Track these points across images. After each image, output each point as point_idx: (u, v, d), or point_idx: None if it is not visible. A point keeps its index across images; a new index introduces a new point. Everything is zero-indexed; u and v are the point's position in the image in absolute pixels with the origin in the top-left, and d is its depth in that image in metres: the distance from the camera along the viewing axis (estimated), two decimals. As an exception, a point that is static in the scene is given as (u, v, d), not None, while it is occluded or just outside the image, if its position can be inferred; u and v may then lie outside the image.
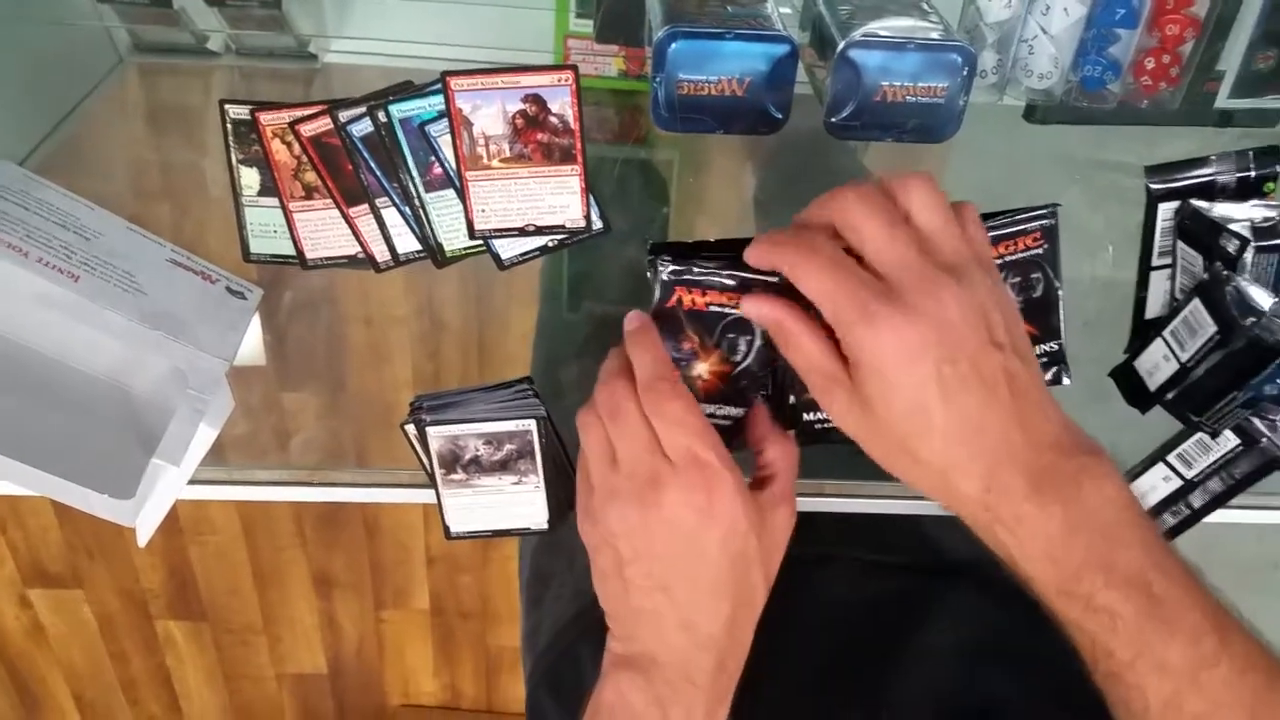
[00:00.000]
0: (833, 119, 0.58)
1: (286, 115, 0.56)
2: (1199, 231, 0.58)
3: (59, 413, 0.50)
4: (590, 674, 0.72)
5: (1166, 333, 0.60)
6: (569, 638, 0.78)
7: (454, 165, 0.58)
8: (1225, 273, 0.55)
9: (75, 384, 0.52)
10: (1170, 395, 0.60)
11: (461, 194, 0.58)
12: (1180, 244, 0.59)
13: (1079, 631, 0.46)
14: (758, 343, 0.59)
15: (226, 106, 0.56)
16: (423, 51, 0.69)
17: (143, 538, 0.55)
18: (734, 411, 0.61)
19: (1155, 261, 0.61)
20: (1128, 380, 0.64)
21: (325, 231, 0.60)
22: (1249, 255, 0.55)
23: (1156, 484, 0.67)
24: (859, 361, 0.47)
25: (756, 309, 0.53)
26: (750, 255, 0.53)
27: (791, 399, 0.62)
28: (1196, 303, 0.57)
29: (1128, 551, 0.45)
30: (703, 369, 0.59)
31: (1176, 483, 0.66)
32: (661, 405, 0.51)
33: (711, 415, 0.61)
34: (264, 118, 0.56)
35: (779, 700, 0.62)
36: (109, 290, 0.53)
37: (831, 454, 0.70)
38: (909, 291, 0.46)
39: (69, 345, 0.52)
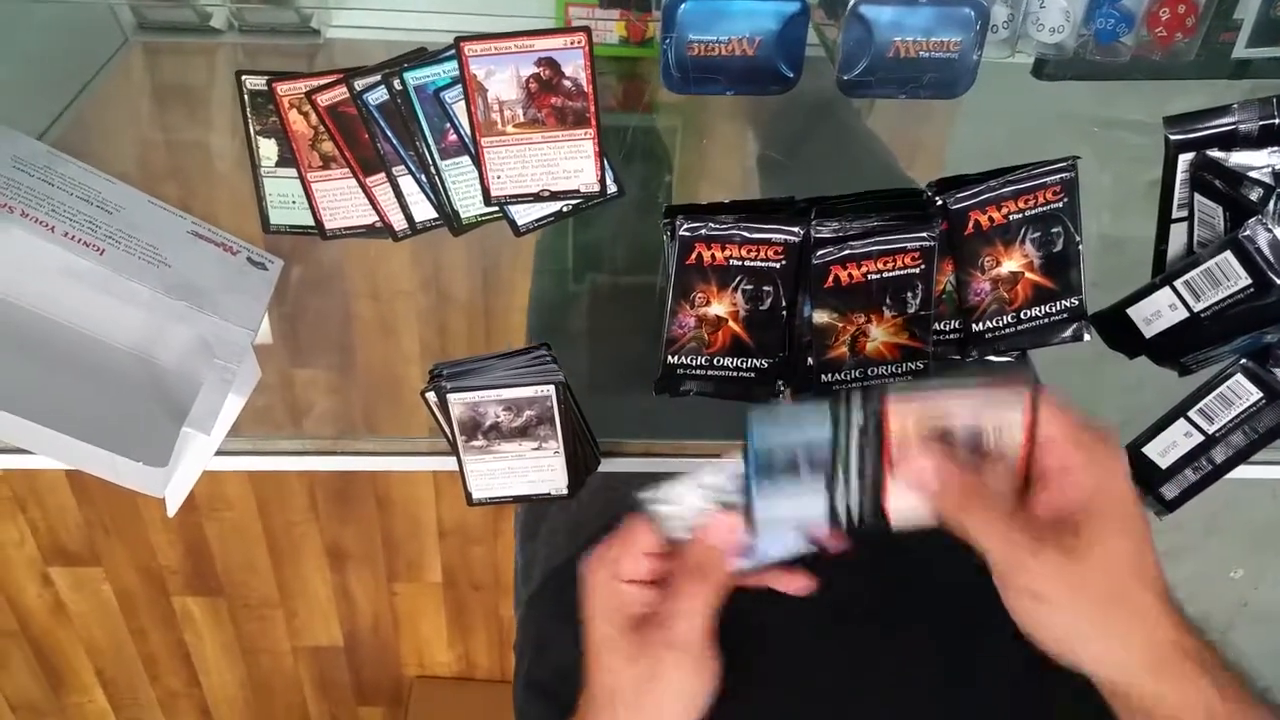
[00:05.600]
0: (845, 77, 0.58)
1: (303, 85, 0.56)
2: (1216, 182, 0.58)
3: (89, 384, 0.51)
4: None
5: (1179, 282, 0.59)
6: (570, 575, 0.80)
7: (469, 131, 0.58)
8: (1267, 225, 0.55)
9: (103, 356, 0.52)
10: (1163, 342, 0.61)
11: (477, 160, 0.59)
12: (1197, 196, 0.59)
13: None
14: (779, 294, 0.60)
15: (244, 78, 0.56)
16: (425, 23, 0.69)
17: (172, 507, 0.55)
18: (756, 362, 0.62)
19: (1176, 214, 0.61)
20: (1113, 324, 0.64)
21: (343, 201, 0.60)
22: (1272, 204, 0.54)
23: (1177, 439, 0.67)
24: (1095, 502, 0.48)
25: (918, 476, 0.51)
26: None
27: (809, 359, 0.62)
28: (1228, 255, 0.57)
29: None
30: (725, 323, 0.60)
31: (1198, 438, 0.66)
32: None
33: (736, 368, 0.62)
34: (281, 88, 0.56)
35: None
36: (133, 263, 0.53)
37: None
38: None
39: (96, 318, 0.52)
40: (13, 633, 2.05)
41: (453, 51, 0.55)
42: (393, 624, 2.11)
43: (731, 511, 0.52)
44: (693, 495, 0.53)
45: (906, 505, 0.50)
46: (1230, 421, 0.65)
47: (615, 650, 0.53)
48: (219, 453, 0.62)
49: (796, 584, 0.55)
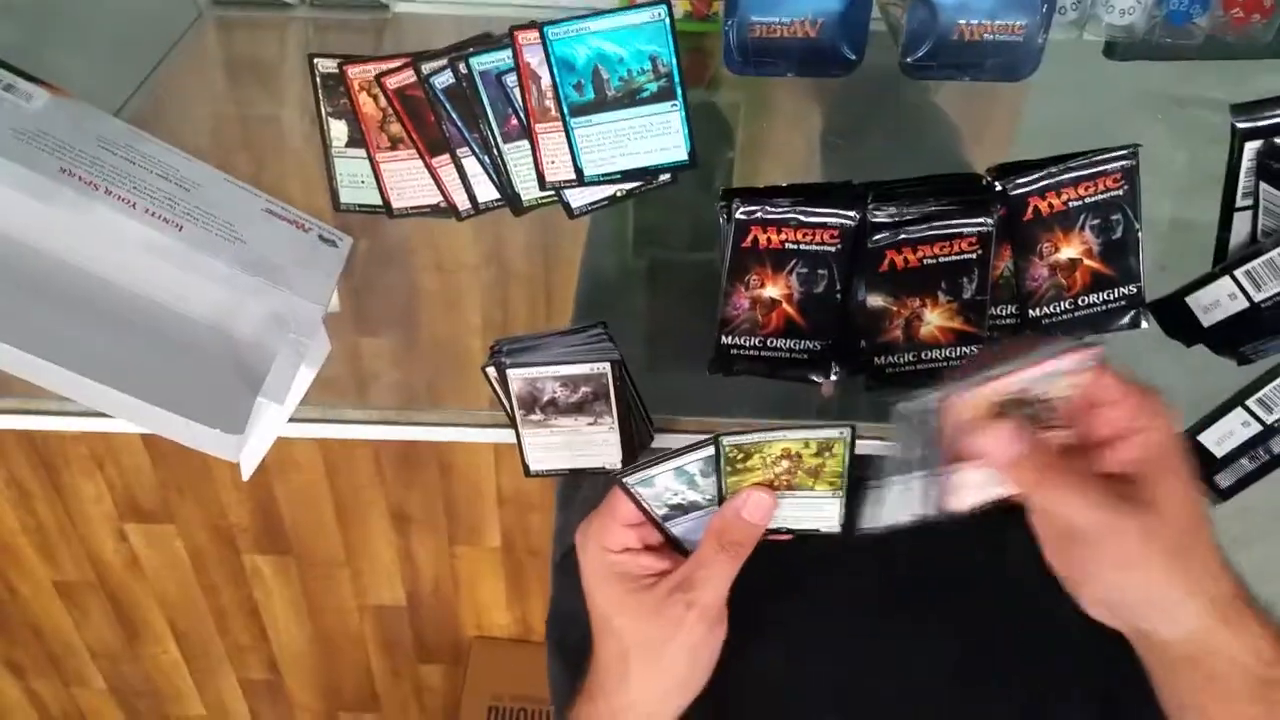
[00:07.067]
0: (908, 59, 0.58)
1: (373, 68, 0.58)
2: (1282, 170, 0.57)
3: (169, 354, 0.53)
4: None
5: (1239, 272, 0.59)
6: None
7: (525, 118, 0.59)
8: None
9: (182, 327, 0.55)
10: (1222, 331, 0.61)
11: (532, 146, 0.60)
12: (1262, 185, 0.58)
13: None
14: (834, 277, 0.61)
15: (315, 60, 0.58)
16: None
17: (246, 471, 0.58)
18: (810, 345, 0.62)
19: (1239, 203, 0.60)
20: (1171, 312, 0.63)
21: (410, 181, 0.62)
22: (1340, 196, 0.54)
23: (1235, 428, 0.66)
24: (1159, 455, 0.49)
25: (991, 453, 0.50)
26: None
27: (862, 342, 0.62)
28: None
29: None
30: (779, 305, 0.61)
31: (1256, 428, 0.65)
32: None
33: (789, 350, 0.62)
34: (351, 71, 0.58)
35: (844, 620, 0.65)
36: (211, 239, 0.56)
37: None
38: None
39: (175, 291, 0.55)
40: (92, 584, 2.14)
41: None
42: (453, 586, 2.15)
43: (770, 492, 0.54)
44: (668, 479, 0.56)
45: (973, 489, 0.51)
46: (1291, 412, 0.64)
47: (626, 610, 0.55)
48: (294, 420, 0.65)
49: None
